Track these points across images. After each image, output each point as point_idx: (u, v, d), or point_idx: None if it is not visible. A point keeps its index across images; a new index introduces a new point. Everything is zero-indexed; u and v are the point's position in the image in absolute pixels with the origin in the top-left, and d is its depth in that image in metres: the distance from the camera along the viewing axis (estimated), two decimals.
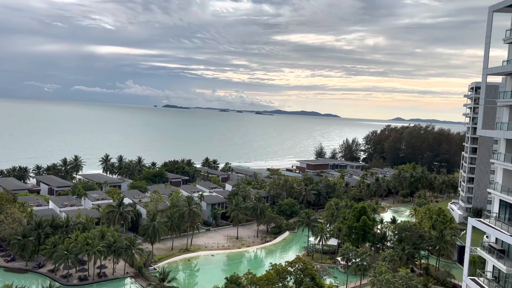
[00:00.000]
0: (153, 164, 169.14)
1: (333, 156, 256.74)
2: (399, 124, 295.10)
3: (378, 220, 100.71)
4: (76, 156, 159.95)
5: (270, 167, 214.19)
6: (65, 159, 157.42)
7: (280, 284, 65.63)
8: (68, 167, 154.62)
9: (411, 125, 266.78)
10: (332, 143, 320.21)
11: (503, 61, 43.76)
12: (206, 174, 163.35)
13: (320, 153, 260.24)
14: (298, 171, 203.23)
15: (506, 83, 44.96)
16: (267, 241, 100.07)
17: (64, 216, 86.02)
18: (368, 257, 75.92)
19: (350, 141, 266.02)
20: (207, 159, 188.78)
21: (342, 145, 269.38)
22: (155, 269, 77.97)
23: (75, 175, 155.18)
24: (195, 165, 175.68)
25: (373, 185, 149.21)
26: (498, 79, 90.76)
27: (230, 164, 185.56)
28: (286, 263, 68.52)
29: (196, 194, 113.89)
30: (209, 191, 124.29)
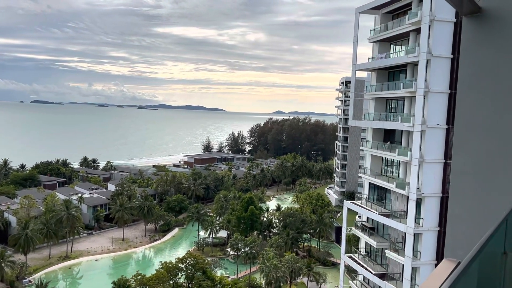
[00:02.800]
0: (22, 166, 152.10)
1: (220, 149, 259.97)
2: (280, 117, 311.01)
3: (264, 208, 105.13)
4: None
5: (156, 164, 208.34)
6: None
7: (171, 282, 64.62)
8: None
9: (291, 117, 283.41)
10: (219, 137, 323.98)
11: (368, 58, 48.60)
12: (85, 175, 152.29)
13: (207, 147, 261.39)
14: (186, 166, 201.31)
15: (371, 77, 50.13)
16: (156, 240, 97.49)
17: None
18: (256, 245, 78.82)
19: (236, 134, 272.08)
20: (85, 159, 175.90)
21: (228, 138, 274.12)
22: (30, 281, 70.52)
23: None
24: (72, 166, 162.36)
25: (258, 176, 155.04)
26: (365, 74, 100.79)
27: (112, 162, 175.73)
28: (177, 260, 67.65)
29: (74, 197, 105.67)
30: (90, 193, 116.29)
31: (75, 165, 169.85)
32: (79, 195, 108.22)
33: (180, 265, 66.41)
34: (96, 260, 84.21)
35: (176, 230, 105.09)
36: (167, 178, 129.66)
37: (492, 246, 2.14)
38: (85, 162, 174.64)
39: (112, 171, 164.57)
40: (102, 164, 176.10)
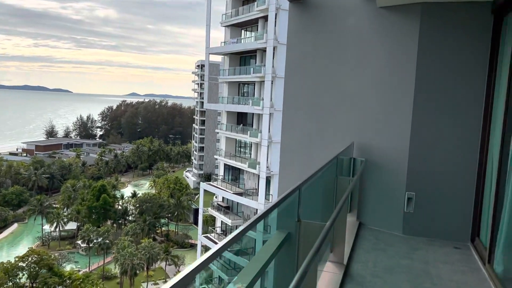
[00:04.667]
0: None
1: (67, 135, 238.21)
2: (135, 100, 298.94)
3: (119, 196, 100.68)
4: None
5: None
6: None
7: (10, 284, 57.79)
8: None
9: (146, 100, 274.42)
10: (65, 121, 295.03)
11: (221, 42, 49.60)
12: None
13: (51, 133, 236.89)
14: (25, 154, 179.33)
15: (225, 62, 51.37)
16: None
17: None
18: (110, 234, 75.31)
19: (85, 118, 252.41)
20: None
21: (76, 122, 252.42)
22: None
23: None
24: None
25: (112, 162, 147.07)
26: (220, 58, 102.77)
27: None
28: (17, 259, 60.59)
29: None
30: None
31: None
32: None
33: (21, 264, 59.67)
34: None
35: (15, 226, 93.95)
36: (2, 169, 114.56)
37: (285, 214, 2.31)
38: None
39: None
40: None
